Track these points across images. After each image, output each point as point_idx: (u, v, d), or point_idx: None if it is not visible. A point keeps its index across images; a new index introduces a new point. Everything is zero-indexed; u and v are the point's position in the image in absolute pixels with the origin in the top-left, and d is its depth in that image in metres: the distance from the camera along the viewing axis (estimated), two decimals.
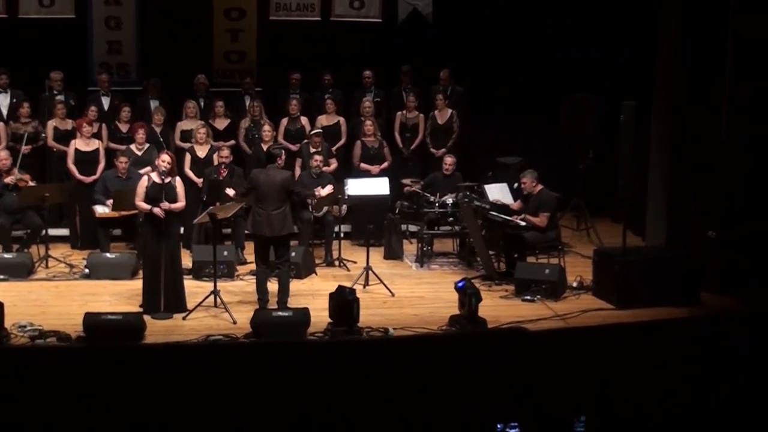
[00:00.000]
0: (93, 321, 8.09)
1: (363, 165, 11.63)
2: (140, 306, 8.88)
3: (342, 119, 12.11)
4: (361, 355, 7.08)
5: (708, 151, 9.92)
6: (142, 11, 12.66)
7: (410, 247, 11.30)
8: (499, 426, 6.41)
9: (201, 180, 10.94)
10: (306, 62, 12.64)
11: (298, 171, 11.35)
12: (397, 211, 11.13)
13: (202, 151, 11.21)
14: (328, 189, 9.91)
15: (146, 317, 8.43)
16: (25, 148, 11.08)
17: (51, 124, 11.42)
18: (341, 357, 6.95)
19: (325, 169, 11.07)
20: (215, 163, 10.93)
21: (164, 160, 8.84)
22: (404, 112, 12.20)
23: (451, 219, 10.70)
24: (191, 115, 11.75)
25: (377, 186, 10.69)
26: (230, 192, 10.09)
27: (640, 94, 10.69)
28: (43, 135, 11.38)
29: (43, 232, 10.47)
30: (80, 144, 11.06)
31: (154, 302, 8.76)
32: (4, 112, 11.54)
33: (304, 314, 8.37)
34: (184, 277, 9.24)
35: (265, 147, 10.75)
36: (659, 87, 10.88)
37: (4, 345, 7.80)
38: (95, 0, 12.43)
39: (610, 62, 12.49)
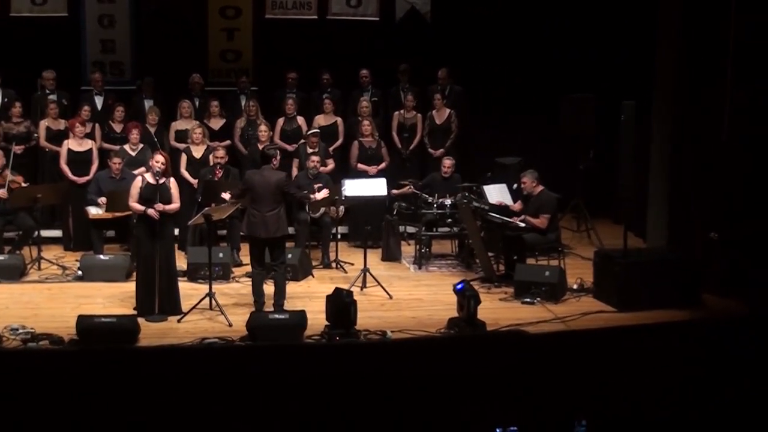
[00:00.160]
0: (86, 324, 8.08)
1: (360, 165, 11.63)
2: (134, 308, 8.87)
3: (339, 119, 12.11)
4: (359, 358, 7.09)
5: (709, 152, 9.93)
6: (136, 9, 12.64)
7: (408, 249, 11.30)
8: (498, 430, 6.41)
9: (196, 181, 10.93)
10: (303, 61, 12.64)
11: (295, 171, 11.35)
12: (395, 213, 11.13)
13: (198, 152, 11.20)
14: (323, 193, 9.89)
15: (140, 320, 8.42)
16: (17, 149, 11.07)
17: (43, 123, 11.40)
18: (338, 360, 6.96)
19: (322, 169, 11.06)
20: (211, 163, 10.93)
21: (158, 160, 8.84)
22: (402, 111, 12.20)
23: (449, 220, 10.70)
24: (186, 115, 11.74)
25: (375, 187, 10.68)
26: (226, 195, 10.09)
27: (639, 93, 10.70)
28: (36, 135, 11.37)
29: (36, 233, 10.46)
30: (73, 144, 11.04)
31: (148, 304, 8.75)
32: None
33: (300, 317, 8.36)
34: (179, 279, 9.24)
35: (261, 147, 10.74)
36: (659, 87, 10.89)
37: None
38: None
39: (609, 62, 12.52)
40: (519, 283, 9.55)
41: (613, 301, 9.21)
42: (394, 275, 10.34)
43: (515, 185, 10.94)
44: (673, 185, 10.61)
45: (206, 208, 9.31)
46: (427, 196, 10.82)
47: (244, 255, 9.99)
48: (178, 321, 8.73)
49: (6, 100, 11.54)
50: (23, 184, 10.63)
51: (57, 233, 11.35)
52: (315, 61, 12.65)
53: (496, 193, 10.60)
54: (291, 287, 9.46)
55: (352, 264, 10.58)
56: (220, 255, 10.02)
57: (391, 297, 9.53)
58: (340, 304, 8.33)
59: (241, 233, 9.82)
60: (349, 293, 8.49)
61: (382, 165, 11.67)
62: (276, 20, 12.86)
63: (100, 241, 10.51)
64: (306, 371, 6.58)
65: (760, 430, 6.74)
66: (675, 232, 10.49)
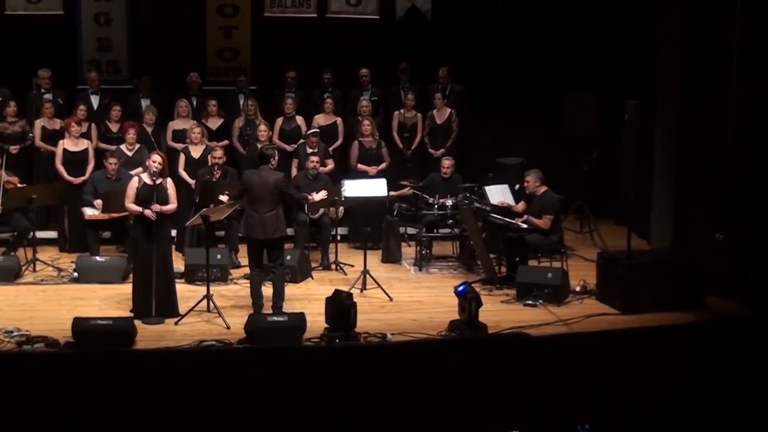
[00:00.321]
0: (82, 326, 8.09)
1: (360, 166, 11.63)
2: (131, 311, 8.88)
3: (339, 119, 12.11)
4: (359, 361, 7.08)
5: (713, 152, 9.93)
6: (133, 7, 12.66)
7: (409, 250, 11.30)
8: None
9: (194, 181, 10.93)
10: (302, 60, 12.65)
11: (294, 172, 11.36)
12: (395, 214, 11.13)
13: (196, 152, 11.20)
14: (322, 195, 9.89)
15: (137, 322, 8.42)
16: (12, 149, 11.08)
17: (39, 123, 11.41)
18: (338, 363, 6.95)
19: (321, 169, 11.07)
20: (210, 164, 10.93)
21: (155, 160, 8.84)
22: (402, 111, 12.20)
23: (450, 221, 10.71)
24: (183, 114, 11.74)
25: (375, 187, 10.68)
26: (224, 198, 10.09)
27: (639, 93, 10.71)
28: (31, 135, 11.37)
29: (31, 234, 10.46)
30: (69, 144, 11.05)
31: (145, 307, 8.76)
32: None
33: (299, 319, 8.37)
34: (176, 280, 9.24)
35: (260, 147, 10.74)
36: (662, 86, 10.89)
37: None
38: None
39: (609, 61, 12.53)
40: (521, 285, 9.55)
41: (617, 303, 9.22)
42: (394, 277, 10.34)
43: (517, 186, 10.95)
44: (677, 186, 10.61)
45: (204, 209, 9.31)
46: (427, 196, 10.83)
47: (243, 256, 10.00)
48: (176, 323, 8.73)
49: (0, 99, 11.54)
50: (19, 185, 10.63)
51: (52, 234, 11.35)
52: (314, 60, 12.66)
53: (498, 194, 10.60)
54: (290, 289, 9.46)
55: (352, 266, 10.59)
56: (218, 256, 10.03)
57: (391, 299, 9.53)
58: (340, 306, 8.34)
59: (240, 234, 9.83)
60: (349, 295, 8.50)
61: (383, 165, 11.67)
62: (275, 18, 12.86)
63: (96, 243, 10.52)
64: (305, 374, 6.57)
65: None
66: (679, 234, 10.49)
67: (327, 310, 8.51)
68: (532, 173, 10.14)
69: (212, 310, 8.89)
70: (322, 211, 10.73)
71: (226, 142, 11.69)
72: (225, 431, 6.30)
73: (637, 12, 12.00)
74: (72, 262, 10.32)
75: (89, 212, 10.55)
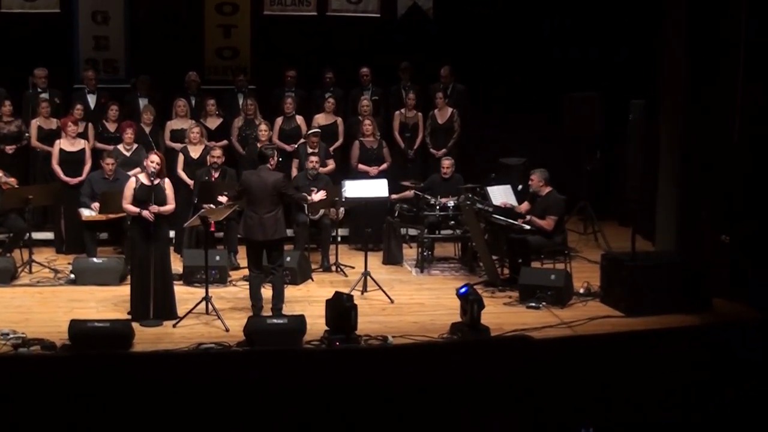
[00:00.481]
0: (79, 328, 8.08)
1: (361, 166, 11.63)
2: (128, 313, 8.88)
3: (339, 119, 12.12)
4: (359, 364, 7.09)
5: (719, 153, 9.94)
6: (131, 5, 12.67)
7: (410, 252, 11.30)
8: None
9: (193, 182, 10.94)
10: (302, 59, 12.66)
11: (295, 172, 11.36)
12: (396, 215, 11.13)
13: (195, 152, 11.21)
14: (320, 195, 9.90)
15: (135, 324, 8.41)
16: (8, 149, 11.09)
17: (35, 123, 11.41)
18: (338, 366, 6.96)
19: (322, 170, 11.07)
20: (208, 164, 10.94)
21: (153, 160, 8.84)
22: (403, 111, 12.21)
23: (452, 222, 10.71)
24: (182, 114, 11.75)
25: (376, 188, 10.66)
26: (223, 199, 10.10)
27: (641, 92, 10.71)
28: (27, 134, 11.38)
29: (27, 235, 10.46)
30: (65, 144, 11.05)
31: (142, 309, 8.76)
32: None
33: (299, 321, 8.37)
34: (175, 282, 9.24)
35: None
36: (667, 86, 10.90)
37: None
38: None
39: (610, 61, 12.55)
40: (524, 287, 9.55)
41: (621, 305, 9.21)
42: (395, 279, 10.34)
43: (520, 186, 10.95)
44: (682, 186, 10.61)
45: (202, 210, 9.32)
46: (428, 197, 10.83)
47: (242, 258, 10.00)
48: (174, 326, 8.73)
49: None
50: (16, 186, 10.64)
51: (49, 235, 11.36)
52: (314, 59, 12.67)
53: (501, 195, 10.60)
54: (290, 291, 9.47)
55: (353, 267, 10.59)
56: (217, 258, 10.03)
57: (392, 301, 9.53)
58: (340, 309, 8.34)
59: (239, 235, 9.84)
60: (350, 297, 8.50)
61: (384, 166, 11.68)
62: (274, 17, 12.88)
63: (93, 244, 10.52)
64: (305, 377, 6.58)
65: None
66: (684, 235, 10.50)
67: (327, 312, 8.51)
68: (538, 172, 10.14)
69: (211, 313, 8.89)
70: (322, 212, 10.73)
71: (225, 142, 11.69)
72: None
73: (638, 11, 12.03)
74: (69, 263, 10.31)
75: (86, 213, 10.56)
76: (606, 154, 12.20)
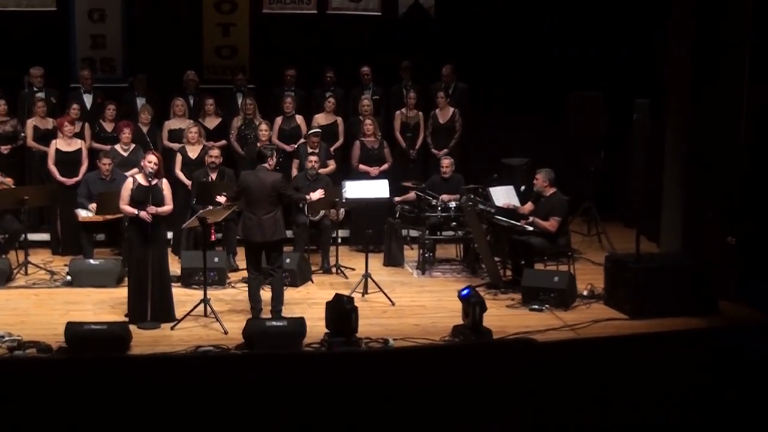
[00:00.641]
0: (75, 331, 8.09)
1: (362, 166, 11.64)
2: (126, 315, 8.89)
3: (339, 119, 12.13)
4: (360, 367, 7.08)
5: (725, 153, 9.93)
6: (128, 3, 12.69)
7: (411, 254, 11.31)
8: None
9: (191, 183, 10.94)
10: (301, 58, 12.66)
11: (295, 173, 11.37)
12: (397, 216, 11.13)
13: (193, 152, 11.21)
14: (319, 193, 9.89)
15: (132, 327, 8.44)
16: (3, 149, 11.09)
17: (31, 122, 11.42)
18: (338, 369, 6.95)
19: (323, 170, 11.08)
20: (206, 164, 10.94)
21: (151, 160, 8.85)
22: (404, 110, 12.21)
23: (454, 224, 10.71)
24: (180, 113, 11.75)
25: (377, 188, 10.67)
26: (221, 199, 10.10)
27: (640, 92, 10.72)
28: (23, 134, 11.39)
29: (22, 236, 10.47)
30: (62, 144, 11.05)
31: (140, 311, 8.77)
32: None
33: (299, 324, 8.37)
34: (173, 284, 9.26)
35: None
36: (673, 85, 10.91)
37: None
38: None
39: (612, 61, 12.58)
40: (527, 289, 9.55)
41: (625, 308, 9.22)
42: (396, 281, 10.35)
43: (522, 187, 10.95)
44: (687, 187, 10.62)
45: (201, 211, 9.32)
46: (430, 198, 10.83)
47: (241, 260, 10.01)
48: (172, 328, 8.74)
49: None
50: (12, 186, 10.64)
51: (45, 237, 11.36)
52: (314, 58, 12.68)
53: (503, 195, 10.60)
54: (289, 293, 9.47)
55: (353, 269, 10.59)
56: (216, 259, 10.03)
57: (393, 303, 9.54)
58: (341, 311, 8.34)
59: (238, 237, 9.84)
60: (350, 299, 8.50)
61: (385, 166, 11.68)
62: (274, 15, 12.90)
63: (89, 245, 10.53)
64: (305, 381, 6.57)
65: None
66: (690, 236, 10.50)
67: (327, 314, 8.52)
68: (543, 172, 10.13)
69: (209, 315, 8.90)
70: (322, 213, 10.73)
71: (223, 142, 11.70)
72: None
73: (638, 11, 12.05)
74: (65, 265, 10.32)
75: (83, 214, 10.56)
76: (610, 154, 12.20)
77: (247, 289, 9.14)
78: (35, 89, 11.76)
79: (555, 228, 9.95)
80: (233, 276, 10.28)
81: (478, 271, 10.62)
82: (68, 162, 11.04)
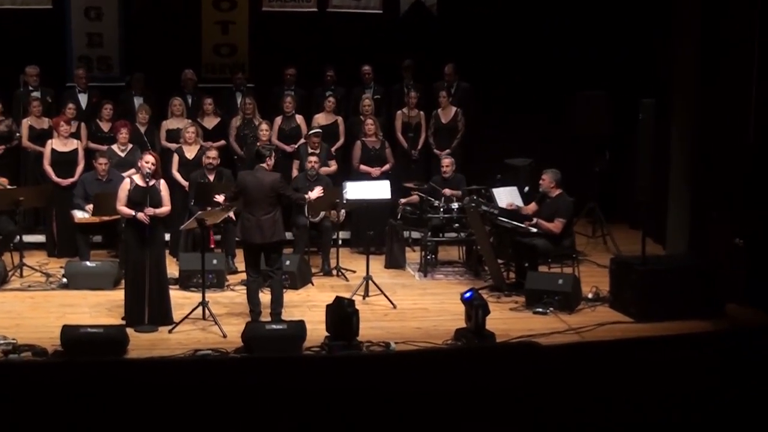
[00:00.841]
0: (71, 334, 8.09)
1: (363, 167, 11.64)
2: (122, 318, 8.89)
3: (340, 118, 12.13)
4: (361, 371, 7.08)
5: (733, 153, 9.93)
6: (125, 1, 12.68)
7: (413, 256, 11.30)
8: None
9: (189, 183, 10.93)
10: (302, 57, 12.66)
11: (295, 173, 11.37)
12: (399, 217, 11.13)
13: (190, 152, 11.21)
14: (318, 192, 9.87)
15: (129, 330, 8.43)
16: None
17: (26, 122, 11.42)
18: (339, 373, 6.95)
19: (324, 170, 11.08)
20: (204, 164, 10.94)
21: (148, 161, 8.85)
22: (405, 110, 12.20)
23: (456, 225, 10.70)
24: (178, 113, 11.75)
25: (378, 189, 10.66)
26: (219, 198, 10.10)
27: (642, 91, 10.72)
28: (18, 134, 11.39)
29: (17, 238, 10.47)
30: (57, 144, 11.06)
31: (137, 314, 8.76)
32: None
33: (299, 327, 8.37)
34: (170, 287, 9.26)
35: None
36: (679, 84, 10.91)
37: None
38: None
39: (613, 60, 12.59)
40: (530, 291, 9.55)
41: (631, 311, 9.22)
42: (398, 283, 10.35)
43: (526, 188, 10.94)
44: (694, 188, 10.61)
45: (199, 212, 9.32)
46: (432, 199, 10.83)
47: (240, 262, 10.01)
48: (170, 331, 8.74)
49: None
50: (7, 187, 10.64)
51: (40, 238, 11.37)
52: (314, 57, 12.68)
53: (506, 196, 10.59)
54: (289, 296, 9.47)
55: (354, 271, 10.59)
56: (214, 261, 10.03)
57: (395, 306, 9.53)
58: (341, 314, 8.34)
59: (236, 238, 9.84)
60: (351, 302, 8.50)
61: (386, 166, 11.68)
62: (273, 13, 12.90)
63: (86, 247, 10.53)
64: (305, 385, 6.57)
65: None
66: (696, 238, 10.50)
67: (328, 317, 8.51)
68: (550, 173, 10.11)
69: (208, 318, 8.90)
70: (322, 214, 10.72)
71: (222, 142, 11.70)
72: None
73: (638, 11, 12.07)
74: (61, 267, 10.33)
75: (79, 215, 10.56)
76: (615, 154, 12.20)
77: (245, 291, 9.13)
78: (31, 88, 11.77)
79: (559, 230, 9.94)
80: (232, 278, 10.28)
81: (481, 273, 10.61)
82: (64, 162, 11.04)
